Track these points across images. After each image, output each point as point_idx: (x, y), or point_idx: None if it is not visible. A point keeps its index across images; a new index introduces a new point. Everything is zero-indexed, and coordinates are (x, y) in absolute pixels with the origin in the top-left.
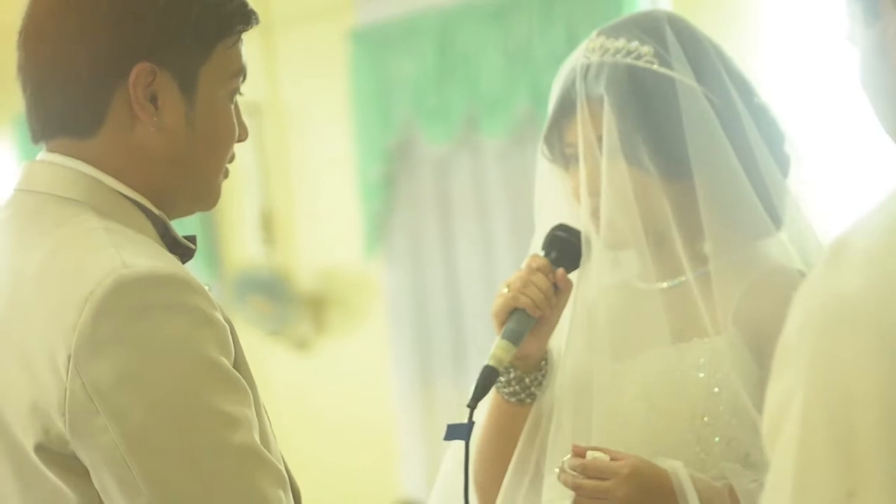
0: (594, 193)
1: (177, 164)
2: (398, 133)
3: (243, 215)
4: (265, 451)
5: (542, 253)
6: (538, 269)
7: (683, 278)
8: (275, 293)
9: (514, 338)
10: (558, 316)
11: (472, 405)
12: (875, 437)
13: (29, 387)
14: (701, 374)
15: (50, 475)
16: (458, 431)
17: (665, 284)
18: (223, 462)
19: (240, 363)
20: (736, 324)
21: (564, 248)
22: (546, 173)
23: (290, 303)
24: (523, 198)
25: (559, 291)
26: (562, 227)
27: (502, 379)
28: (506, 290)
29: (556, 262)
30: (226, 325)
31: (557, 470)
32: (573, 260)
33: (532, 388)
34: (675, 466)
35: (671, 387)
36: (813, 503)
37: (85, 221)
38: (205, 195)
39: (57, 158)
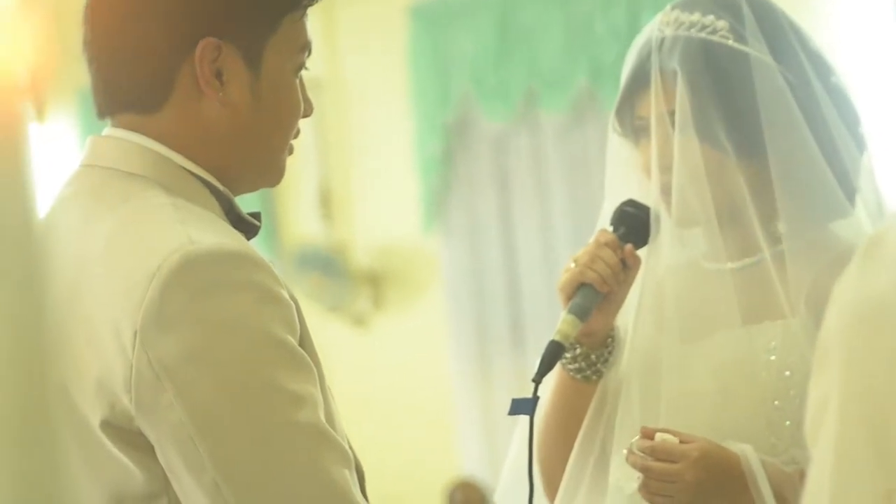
0: (665, 169)
1: (242, 139)
2: (457, 109)
3: (302, 191)
4: (330, 429)
5: (610, 228)
6: (606, 244)
7: (754, 259)
8: (332, 269)
9: (580, 313)
10: (626, 292)
11: (537, 380)
12: None
13: (95, 363)
14: (772, 357)
15: (115, 451)
16: (523, 406)
17: (735, 265)
18: (289, 440)
19: (305, 341)
20: (808, 306)
21: (633, 223)
22: (616, 147)
23: (348, 279)
24: (582, 175)
25: (627, 268)
26: (631, 203)
27: (568, 355)
28: (573, 265)
29: (624, 238)
30: (291, 302)
31: (626, 451)
32: (642, 236)
33: (598, 366)
34: (745, 450)
35: (741, 369)
36: (852, 502)
37: (152, 197)
38: (270, 171)
39: (122, 134)
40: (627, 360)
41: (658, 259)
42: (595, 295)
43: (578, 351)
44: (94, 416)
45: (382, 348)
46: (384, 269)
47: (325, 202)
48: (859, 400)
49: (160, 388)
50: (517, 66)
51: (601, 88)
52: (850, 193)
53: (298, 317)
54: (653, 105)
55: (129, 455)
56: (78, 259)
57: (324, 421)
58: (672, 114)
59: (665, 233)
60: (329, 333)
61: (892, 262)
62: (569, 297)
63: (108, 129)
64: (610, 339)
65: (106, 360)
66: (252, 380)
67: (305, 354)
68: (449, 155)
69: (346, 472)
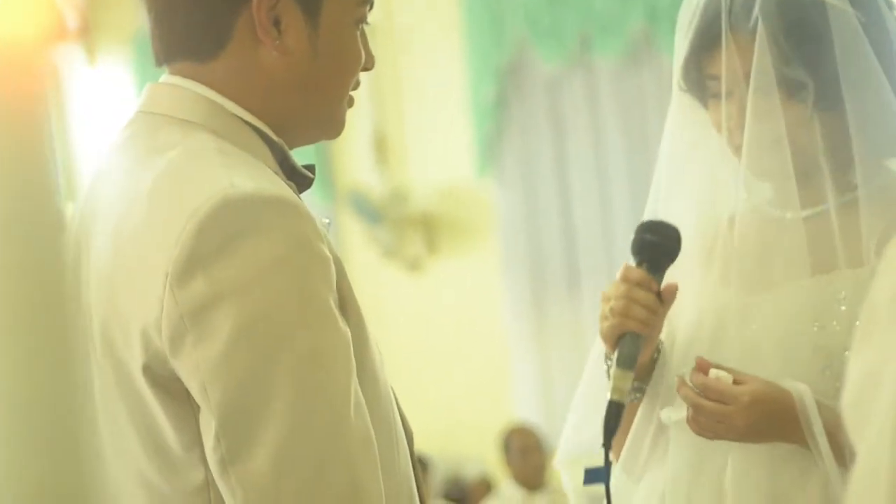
0: (741, 127)
1: (299, 89)
2: (511, 53)
3: (356, 138)
4: (350, 396)
5: (634, 260)
6: (638, 285)
7: (824, 207)
8: (387, 215)
9: (629, 363)
10: (663, 319)
11: (607, 445)
12: None
13: (135, 304)
14: (843, 307)
15: (154, 400)
16: (598, 475)
17: (805, 213)
18: (296, 398)
19: (347, 299)
20: (879, 255)
21: (654, 253)
22: (677, 103)
23: (403, 224)
24: (637, 118)
25: (664, 301)
26: (649, 228)
27: None
28: (608, 310)
29: (651, 269)
30: (329, 257)
31: (677, 379)
32: (666, 261)
33: (646, 385)
34: (801, 390)
35: (812, 319)
36: None
37: (200, 142)
38: (328, 123)
39: (178, 81)
40: (692, 312)
41: (722, 207)
42: (638, 339)
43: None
44: (137, 361)
45: (437, 293)
46: (438, 214)
47: (380, 148)
48: None
49: (184, 330)
50: (571, 9)
51: (657, 32)
52: None
53: (340, 274)
54: (724, 64)
55: (166, 403)
56: (127, 203)
57: (344, 385)
58: (748, 73)
59: (730, 181)
60: (383, 278)
61: None
62: (613, 347)
63: (165, 77)
64: (656, 354)
65: (143, 302)
66: (273, 331)
67: (334, 312)
68: (503, 99)
69: (357, 438)
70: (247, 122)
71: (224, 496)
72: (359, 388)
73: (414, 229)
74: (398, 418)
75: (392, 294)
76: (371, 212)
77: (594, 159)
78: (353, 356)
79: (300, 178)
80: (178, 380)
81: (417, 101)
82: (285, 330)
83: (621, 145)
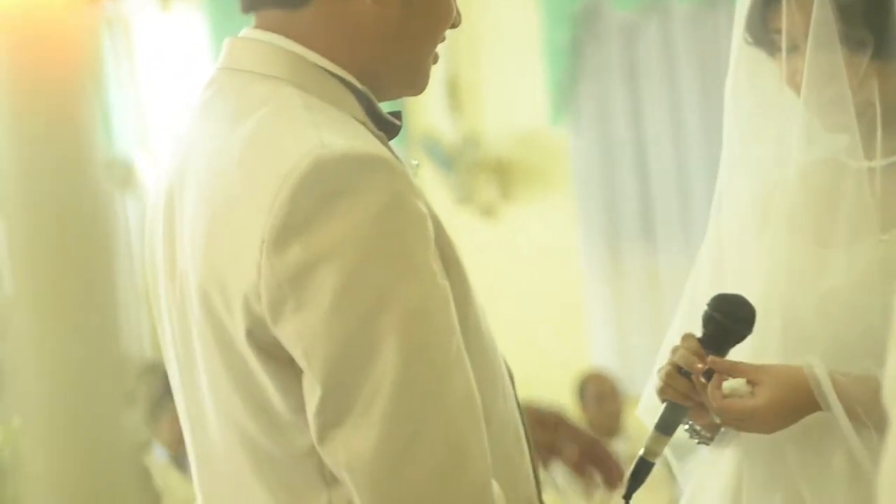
0: (808, 83)
1: (388, 41)
2: None
3: (429, 83)
4: (451, 354)
5: (700, 332)
6: (682, 365)
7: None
8: (461, 161)
9: (665, 428)
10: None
11: (627, 497)
12: None
13: (234, 271)
14: None
15: (258, 365)
16: None
17: (877, 163)
18: (400, 360)
19: (446, 253)
20: None
21: (716, 331)
22: (740, 53)
23: (476, 170)
24: (713, 64)
25: (713, 377)
26: (720, 307)
27: (686, 429)
28: (662, 370)
29: (707, 345)
30: (426, 212)
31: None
32: (730, 342)
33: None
34: (813, 365)
35: (882, 278)
36: None
37: (286, 100)
38: (414, 78)
39: (259, 35)
40: (765, 265)
41: (791, 158)
42: (679, 409)
43: (697, 428)
44: (239, 327)
45: (511, 239)
46: (512, 160)
47: (453, 94)
48: None
49: (284, 297)
50: None
51: None
52: None
53: (437, 228)
54: (785, 19)
55: (271, 367)
56: (217, 167)
57: (438, 337)
58: (808, 28)
59: (801, 131)
60: (457, 225)
61: None
62: (664, 401)
63: (247, 30)
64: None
65: (241, 269)
66: (371, 292)
67: (431, 265)
68: (577, 44)
69: (465, 398)
70: (332, 74)
71: (325, 459)
72: (461, 344)
73: (487, 176)
74: (503, 366)
75: (465, 241)
76: (444, 158)
77: (669, 105)
78: (453, 312)
79: (388, 127)
80: (282, 345)
81: (491, 46)
82: (385, 290)
83: (696, 90)
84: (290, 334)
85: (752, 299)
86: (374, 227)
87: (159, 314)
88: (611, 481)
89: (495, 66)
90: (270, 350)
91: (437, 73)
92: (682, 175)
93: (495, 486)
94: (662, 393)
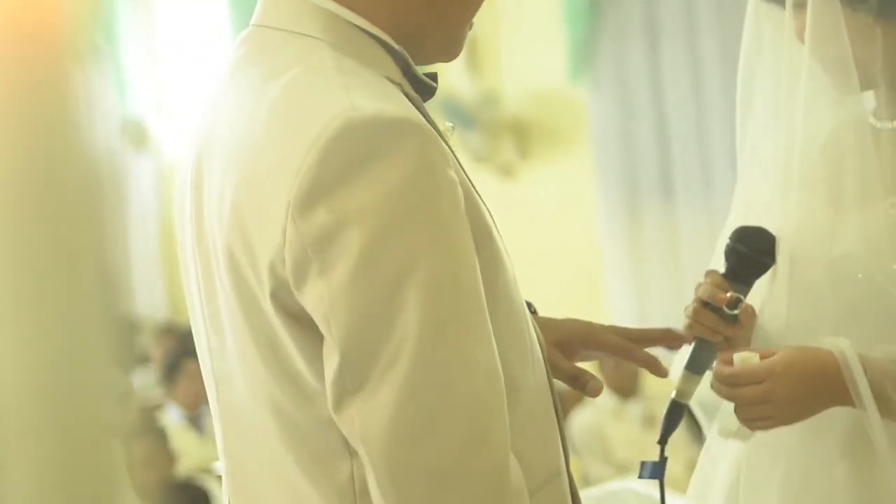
0: (818, 41)
1: (430, 4)
2: None
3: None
4: (477, 326)
5: (723, 266)
6: (709, 300)
7: None
8: (480, 120)
9: (696, 368)
10: (750, 329)
11: (663, 442)
12: None
13: (260, 233)
14: None
15: (283, 329)
16: (653, 470)
17: (887, 124)
18: (423, 329)
19: (475, 220)
20: None
21: (741, 265)
22: (755, 10)
23: (495, 129)
24: (733, 21)
25: (741, 321)
26: (743, 238)
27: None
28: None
29: (732, 278)
30: (456, 180)
31: (711, 385)
32: (754, 273)
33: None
34: (842, 346)
35: (889, 245)
36: None
37: (319, 61)
38: (451, 43)
39: None
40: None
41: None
42: (710, 346)
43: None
44: (265, 290)
45: (530, 199)
46: (531, 119)
47: (472, 52)
48: None
49: (308, 261)
50: None
51: None
52: None
53: (467, 195)
54: None
55: (296, 333)
56: (247, 127)
57: (464, 308)
58: None
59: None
60: (476, 184)
61: None
62: (692, 342)
63: None
64: None
65: (267, 231)
66: (396, 259)
67: (460, 233)
68: (596, 3)
69: (490, 359)
70: (368, 33)
71: (342, 429)
72: (487, 317)
73: (506, 135)
74: (533, 334)
75: (485, 200)
76: (463, 117)
77: (689, 63)
78: (480, 284)
79: (424, 88)
80: (306, 311)
81: (510, 4)
82: (411, 257)
83: (716, 48)
84: (313, 298)
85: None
86: (402, 193)
87: (187, 276)
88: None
89: (514, 24)
90: (296, 316)
91: None
92: (700, 133)
93: (513, 463)
94: (690, 329)
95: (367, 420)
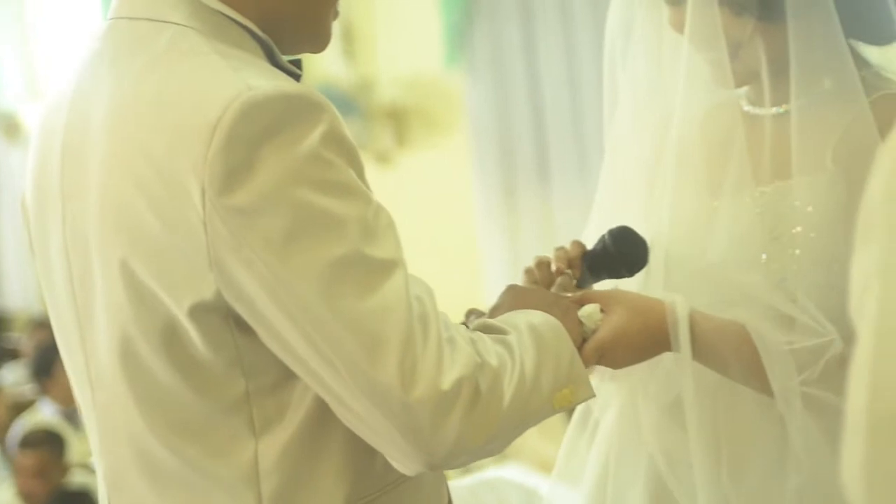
0: (699, 41)
1: None
2: None
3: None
4: (404, 260)
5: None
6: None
7: (791, 106)
8: (355, 107)
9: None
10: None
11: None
12: None
13: (165, 226)
14: (809, 209)
15: (188, 322)
16: None
17: (776, 110)
18: (364, 277)
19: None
20: (836, 161)
21: (599, 253)
22: (628, 5)
23: (371, 116)
24: (607, 6)
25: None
26: (619, 237)
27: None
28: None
29: (586, 260)
30: (354, 143)
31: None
32: (605, 268)
33: None
34: (677, 300)
35: (766, 231)
36: (892, 390)
37: (195, 46)
38: (315, 33)
39: None
40: (661, 220)
41: (696, 106)
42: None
43: None
44: (173, 283)
45: (407, 185)
46: (407, 105)
47: (347, 39)
48: None
49: (237, 245)
50: None
51: None
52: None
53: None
54: None
55: (205, 321)
56: (129, 123)
57: (396, 250)
58: None
59: (698, 84)
60: None
61: None
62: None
63: None
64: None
65: (178, 224)
66: (324, 224)
67: (371, 192)
68: None
69: (421, 295)
70: (232, 20)
71: (323, 376)
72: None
73: (383, 121)
74: None
75: None
76: (340, 104)
77: (563, 47)
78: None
79: (289, 76)
80: (223, 298)
81: None
82: (337, 220)
83: (591, 31)
84: (246, 283)
85: (654, 251)
86: (314, 162)
87: (49, 277)
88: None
89: (389, 11)
90: (208, 305)
91: None
92: (575, 117)
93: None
94: (527, 273)
95: (343, 360)
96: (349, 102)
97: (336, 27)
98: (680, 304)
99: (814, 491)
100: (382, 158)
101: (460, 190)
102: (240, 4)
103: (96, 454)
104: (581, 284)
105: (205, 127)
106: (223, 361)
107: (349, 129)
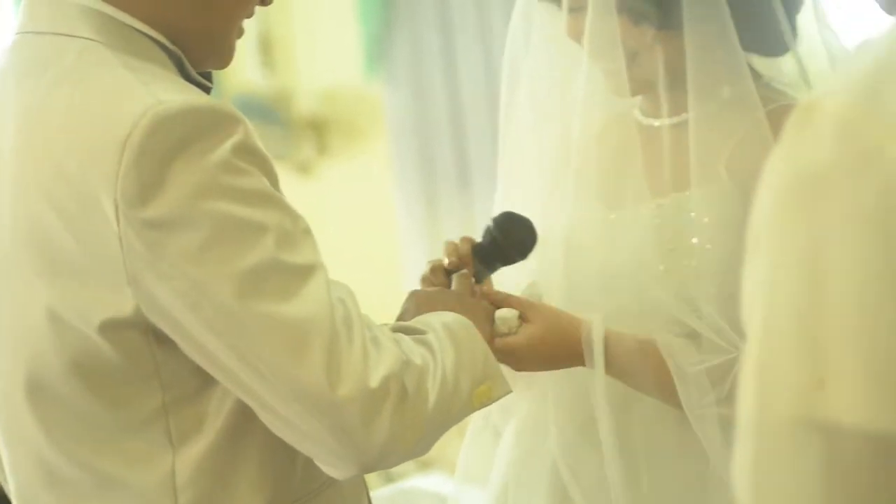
0: (596, 51)
1: (194, 5)
2: None
3: (242, 39)
4: (323, 264)
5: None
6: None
7: (685, 117)
8: (275, 117)
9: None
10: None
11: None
12: (847, 320)
13: (80, 243)
14: (705, 220)
15: (100, 339)
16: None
17: (670, 121)
18: (285, 282)
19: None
20: (730, 171)
21: (488, 245)
22: (526, 4)
23: (291, 127)
24: None
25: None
26: (502, 223)
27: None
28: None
29: (477, 255)
30: (268, 155)
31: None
32: (497, 258)
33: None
34: (594, 319)
35: (663, 243)
36: (778, 396)
37: (104, 61)
38: (218, 49)
39: None
40: (556, 231)
41: (593, 117)
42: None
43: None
44: (91, 320)
45: (328, 195)
46: (327, 115)
47: (266, 49)
48: (790, 280)
49: (154, 259)
50: None
51: None
52: (791, 26)
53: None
54: None
55: (120, 337)
56: (42, 139)
57: (315, 254)
58: None
59: (594, 93)
60: None
61: (833, 130)
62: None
63: None
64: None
65: (92, 241)
66: (240, 233)
67: (284, 199)
68: None
69: (341, 297)
70: (141, 32)
71: (250, 384)
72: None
73: (303, 131)
74: None
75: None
76: (259, 115)
77: (482, 54)
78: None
79: (198, 87)
80: (141, 313)
81: (302, 2)
82: (253, 228)
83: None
84: (165, 296)
85: (537, 266)
86: (226, 172)
87: None
88: None
89: (307, 20)
90: (124, 321)
91: (249, 29)
92: (495, 124)
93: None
94: (423, 281)
95: (272, 375)
96: (269, 113)
97: (254, 37)
98: (596, 325)
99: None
100: (303, 169)
101: (382, 198)
102: (148, 17)
103: (7, 471)
104: (478, 279)
105: (115, 142)
106: (140, 375)
107: (270, 140)
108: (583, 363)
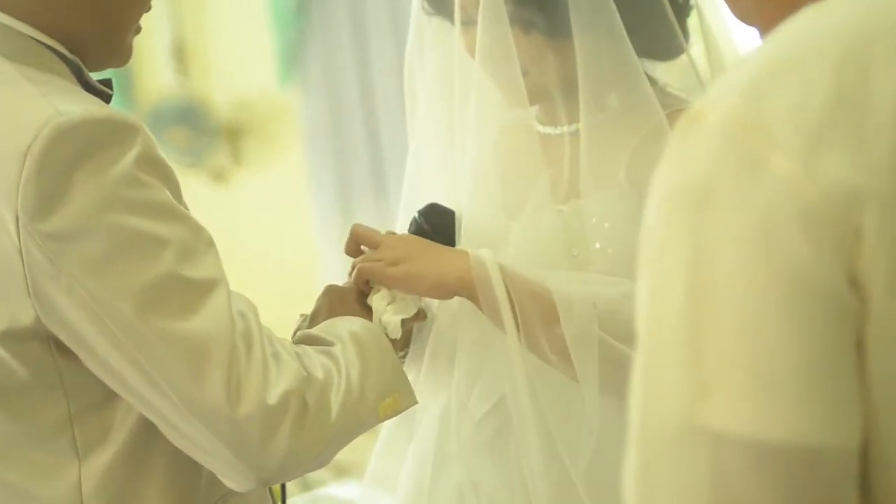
0: (491, 60)
1: (88, 7)
2: None
3: (155, 45)
4: (225, 278)
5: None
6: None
7: (580, 125)
8: (189, 125)
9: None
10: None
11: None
12: (730, 331)
13: None
14: (606, 225)
15: (3, 352)
16: None
17: (570, 128)
18: (186, 293)
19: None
20: (629, 178)
21: (416, 235)
22: (418, 17)
23: (206, 134)
24: None
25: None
26: (428, 214)
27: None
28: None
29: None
30: (169, 164)
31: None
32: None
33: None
34: (483, 254)
35: (565, 248)
36: (663, 405)
37: (2, 73)
38: (117, 48)
39: None
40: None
41: (489, 128)
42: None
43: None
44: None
45: (243, 203)
46: (242, 123)
47: (180, 56)
48: (670, 297)
49: (55, 272)
50: None
51: None
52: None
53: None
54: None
55: (20, 348)
56: None
57: (217, 264)
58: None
59: (490, 104)
60: (188, 190)
61: (718, 139)
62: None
63: None
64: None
65: None
66: (141, 245)
67: (185, 210)
68: (304, 4)
69: (242, 310)
70: (39, 42)
71: (149, 398)
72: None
73: (218, 139)
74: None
75: (197, 206)
76: (173, 122)
77: (397, 63)
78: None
79: (98, 95)
80: (41, 323)
81: (217, 7)
82: (153, 241)
83: None
84: (67, 308)
85: None
86: (128, 184)
87: None
88: None
89: (221, 28)
90: (26, 331)
91: (162, 36)
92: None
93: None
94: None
95: (169, 381)
96: (183, 120)
97: (168, 44)
98: (488, 256)
99: (601, 458)
100: (218, 177)
101: (298, 207)
102: (45, 26)
103: None
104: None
105: (15, 154)
106: (43, 385)
107: (184, 147)
108: (471, 287)
